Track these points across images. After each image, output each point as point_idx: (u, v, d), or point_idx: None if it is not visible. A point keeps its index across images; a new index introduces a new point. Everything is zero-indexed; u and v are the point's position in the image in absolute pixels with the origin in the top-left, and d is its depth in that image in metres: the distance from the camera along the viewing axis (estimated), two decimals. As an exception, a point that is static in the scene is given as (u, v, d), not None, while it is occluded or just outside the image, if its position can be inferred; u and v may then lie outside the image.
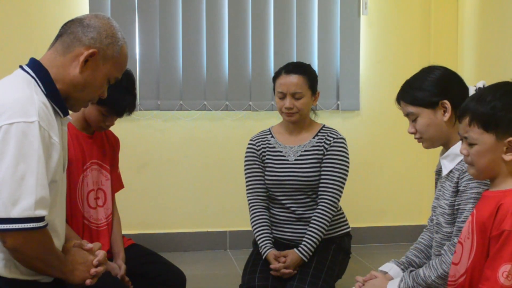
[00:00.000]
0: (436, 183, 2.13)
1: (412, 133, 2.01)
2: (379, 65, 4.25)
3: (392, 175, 4.30)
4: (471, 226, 1.60)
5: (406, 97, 1.99)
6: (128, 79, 2.33)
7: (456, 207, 1.90)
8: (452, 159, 1.96)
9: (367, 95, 4.21)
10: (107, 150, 2.51)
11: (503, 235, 1.48)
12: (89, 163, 2.40)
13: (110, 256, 2.43)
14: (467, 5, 4.10)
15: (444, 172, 1.99)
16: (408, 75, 2.05)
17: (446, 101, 1.93)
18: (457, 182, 1.90)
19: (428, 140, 1.99)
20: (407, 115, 2.01)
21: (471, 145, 1.60)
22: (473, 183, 1.84)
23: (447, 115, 1.93)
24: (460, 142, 1.94)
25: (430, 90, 1.95)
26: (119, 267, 2.36)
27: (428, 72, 2.01)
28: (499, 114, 1.55)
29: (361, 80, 4.18)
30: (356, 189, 4.07)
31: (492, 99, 1.57)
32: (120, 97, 2.29)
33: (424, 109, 1.95)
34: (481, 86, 1.98)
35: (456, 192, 1.90)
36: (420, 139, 2.02)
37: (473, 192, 1.84)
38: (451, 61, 4.11)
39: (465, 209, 1.85)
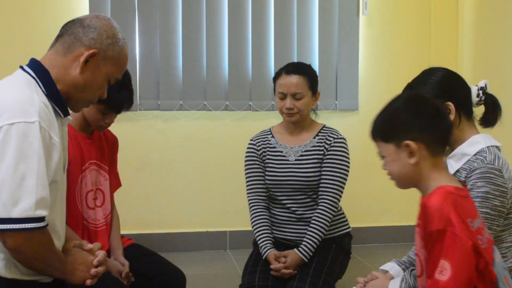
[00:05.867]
0: None
1: None
2: (378, 65, 4.24)
3: (392, 175, 4.29)
4: (419, 236, 1.61)
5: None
6: (124, 75, 2.33)
7: None
8: (459, 159, 1.95)
9: (366, 95, 4.21)
10: (106, 150, 2.51)
11: (433, 236, 1.49)
12: (88, 163, 2.40)
13: (109, 255, 2.43)
14: (467, 5, 4.10)
15: (451, 172, 1.98)
16: (407, 76, 2.05)
17: (449, 103, 1.93)
18: (465, 181, 1.89)
19: None
20: None
21: (383, 158, 1.64)
22: (480, 182, 1.84)
23: (451, 116, 1.93)
24: (466, 142, 1.94)
25: (433, 92, 1.94)
26: (122, 264, 2.36)
27: (429, 74, 2.00)
28: (391, 123, 1.60)
29: (360, 80, 4.18)
30: (356, 189, 4.07)
31: (385, 112, 1.63)
32: (117, 93, 2.29)
33: None
34: (483, 86, 1.98)
35: None
36: None
37: (480, 191, 1.84)
38: (451, 61, 4.11)
39: None
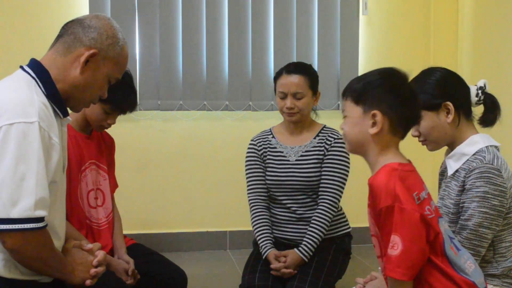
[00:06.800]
0: (439, 184, 2.13)
1: (416, 136, 2.01)
2: (378, 65, 4.21)
3: (392, 175, 4.28)
4: (371, 216, 1.63)
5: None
6: (128, 77, 2.35)
7: (461, 205, 1.90)
8: (458, 158, 1.96)
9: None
10: (104, 151, 2.52)
11: (382, 214, 1.51)
12: (88, 163, 2.41)
13: (112, 254, 2.44)
14: (467, 5, 4.09)
15: (450, 172, 1.99)
16: (407, 76, 2.05)
17: (448, 103, 1.93)
18: (464, 181, 1.89)
19: (432, 142, 1.99)
20: None
21: (345, 117, 1.66)
22: (479, 181, 1.84)
23: (450, 116, 1.93)
24: (465, 142, 1.94)
25: (432, 92, 1.95)
26: (127, 262, 2.37)
27: (428, 74, 2.00)
28: (368, 88, 1.61)
29: (360, 80, 4.18)
30: (356, 189, 4.06)
31: (366, 77, 1.66)
32: (124, 93, 2.31)
33: (427, 112, 1.94)
34: (482, 85, 1.98)
35: (462, 191, 1.90)
36: (424, 142, 2.01)
37: (479, 191, 1.84)
38: (451, 61, 4.11)
39: (469, 207, 1.85)
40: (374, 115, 1.58)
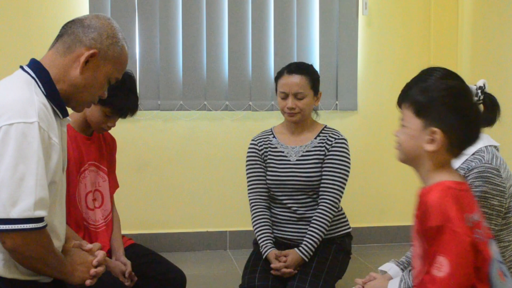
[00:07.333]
0: None
1: None
2: (378, 65, 4.24)
3: (391, 175, 4.29)
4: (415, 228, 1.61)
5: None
6: (130, 80, 2.34)
7: None
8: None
9: (365, 95, 4.21)
10: (105, 152, 2.51)
11: (431, 232, 1.48)
12: (87, 164, 2.40)
13: (110, 255, 2.43)
14: (467, 5, 4.10)
15: None
16: (407, 76, 2.05)
17: None
18: None
19: None
20: None
21: (402, 126, 1.62)
22: (478, 181, 1.84)
23: None
24: None
25: None
26: (124, 264, 2.36)
27: (428, 74, 2.00)
28: (432, 104, 1.55)
29: (359, 80, 4.18)
30: (356, 189, 4.07)
31: (431, 90, 1.58)
32: (124, 98, 2.30)
33: None
34: (482, 85, 1.98)
35: None
36: None
37: (477, 191, 1.84)
38: (451, 61, 4.11)
39: None
40: (433, 132, 1.53)
